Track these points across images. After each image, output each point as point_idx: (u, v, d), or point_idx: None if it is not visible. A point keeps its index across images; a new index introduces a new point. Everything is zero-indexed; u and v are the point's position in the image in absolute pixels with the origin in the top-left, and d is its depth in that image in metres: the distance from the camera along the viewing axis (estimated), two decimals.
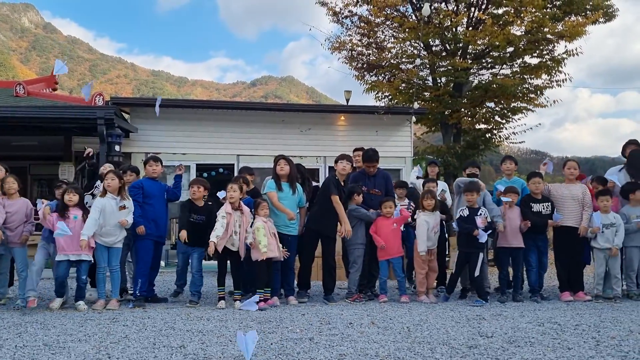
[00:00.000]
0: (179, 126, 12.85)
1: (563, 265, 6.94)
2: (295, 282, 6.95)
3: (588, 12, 14.99)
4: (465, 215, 6.58)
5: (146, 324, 5.24)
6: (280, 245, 6.36)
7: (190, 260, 6.76)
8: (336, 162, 7.00)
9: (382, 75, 15.88)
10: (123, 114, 12.61)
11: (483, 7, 15.02)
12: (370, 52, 16.00)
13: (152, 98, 18.46)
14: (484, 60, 15.58)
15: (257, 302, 6.08)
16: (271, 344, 4.37)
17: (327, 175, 12.39)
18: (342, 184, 6.85)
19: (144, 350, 4.16)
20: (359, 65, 15.99)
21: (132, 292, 6.62)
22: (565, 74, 14.85)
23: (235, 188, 6.31)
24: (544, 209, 6.81)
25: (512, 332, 4.71)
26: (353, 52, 15.88)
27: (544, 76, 14.96)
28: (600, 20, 15.43)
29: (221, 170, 13.25)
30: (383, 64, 15.46)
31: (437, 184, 7.65)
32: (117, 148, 10.98)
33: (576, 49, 14.45)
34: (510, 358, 3.87)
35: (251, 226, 6.31)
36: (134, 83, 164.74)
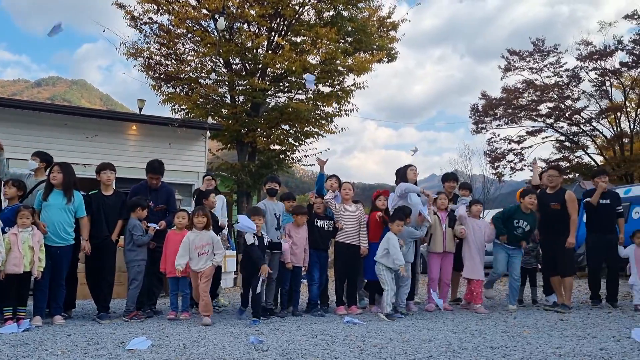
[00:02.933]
0: None
1: (341, 281, 7.35)
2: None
3: (374, 51, 16.57)
4: (250, 241, 6.36)
5: None
6: (40, 259, 5.69)
7: None
8: (98, 172, 6.58)
9: (180, 87, 15.56)
10: None
11: (283, 33, 15.66)
12: (169, 62, 15.58)
13: None
14: (281, 84, 16.19)
15: (5, 322, 5.49)
16: None
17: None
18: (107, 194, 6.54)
19: None
20: (157, 75, 15.45)
21: None
22: (353, 104, 16.14)
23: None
24: (327, 225, 7.19)
25: (287, 345, 4.81)
26: (150, 60, 15.29)
27: (335, 105, 16.08)
28: (384, 60, 17.18)
29: None
30: (182, 76, 15.16)
31: (215, 197, 7.61)
32: None
33: (363, 83, 15.83)
34: None
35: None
36: None
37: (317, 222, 7.18)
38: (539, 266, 8.18)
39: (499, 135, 29.37)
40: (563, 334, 5.29)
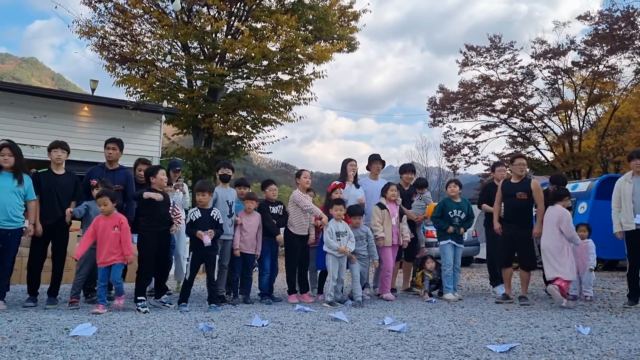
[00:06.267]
0: None
1: (292, 270, 7.32)
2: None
3: (335, 41, 16.54)
4: (197, 217, 6.25)
5: None
6: None
7: None
8: (49, 150, 6.41)
9: (136, 69, 15.18)
10: None
11: (243, 18, 15.45)
12: (124, 43, 15.17)
13: None
14: (240, 70, 16.00)
15: None
16: None
17: None
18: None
19: None
20: (111, 55, 15.03)
21: None
22: (311, 93, 16.11)
23: None
24: (279, 210, 7.14)
25: (236, 332, 4.78)
26: (105, 40, 14.85)
27: (294, 93, 16.02)
28: (345, 49, 17.18)
29: None
30: (137, 58, 14.79)
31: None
32: None
33: (322, 72, 15.80)
34: (229, 357, 3.90)
35: None
36: None
37: (271, 208, 7.10)
38: None
39: (455, 128, 29.92)
40: (507, 323, 5.44)
